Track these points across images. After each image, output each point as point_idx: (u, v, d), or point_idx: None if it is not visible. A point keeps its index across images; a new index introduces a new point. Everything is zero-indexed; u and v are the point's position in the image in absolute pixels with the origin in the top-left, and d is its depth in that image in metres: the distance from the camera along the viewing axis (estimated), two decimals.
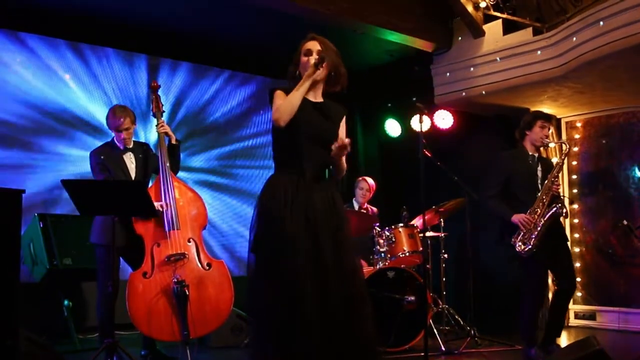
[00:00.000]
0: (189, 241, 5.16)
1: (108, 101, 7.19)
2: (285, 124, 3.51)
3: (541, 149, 5.74)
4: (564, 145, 5.67)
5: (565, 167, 7.73)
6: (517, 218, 5.26)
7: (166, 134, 5.39)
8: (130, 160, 5.35)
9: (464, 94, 7.37)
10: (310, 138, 3.59)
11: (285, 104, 3.52)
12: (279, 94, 3.63)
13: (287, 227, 3.42)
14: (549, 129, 5.53)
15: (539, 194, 5.31)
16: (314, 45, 3.70)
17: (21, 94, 6.81)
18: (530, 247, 5.21)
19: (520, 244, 5.24)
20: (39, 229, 5.92)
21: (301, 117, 3.58)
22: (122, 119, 5.22)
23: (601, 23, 5.82)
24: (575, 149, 7.73)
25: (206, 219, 5.33)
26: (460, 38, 7.49)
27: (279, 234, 3.43)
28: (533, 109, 7.29)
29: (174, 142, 5.41)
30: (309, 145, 3.59)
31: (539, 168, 5.47)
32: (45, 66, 6.97)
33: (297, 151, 3.58)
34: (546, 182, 5.33)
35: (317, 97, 3.74)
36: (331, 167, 3.78)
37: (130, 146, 5.36)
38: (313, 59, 3.61)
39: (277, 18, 6.54)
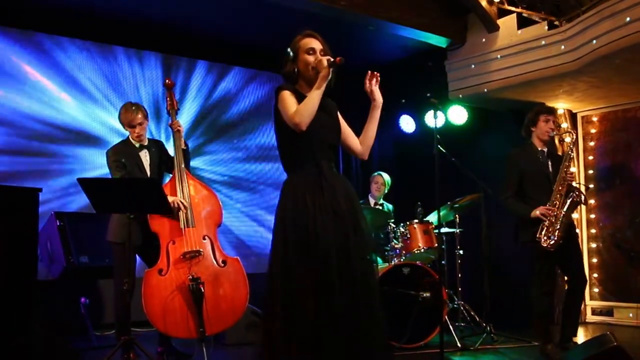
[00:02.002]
0: (204, 238, 5.17)
1: (121, 101, 7.23)
2: (306, 127, 3.47)
3: (556, 144, 5.72)
4: (570, 135, 5.65)
5: (581, 161, 7.70)
6: (538, 210, 5.27)
7: (179, 132, 5.39)
8: (145, 157, 5.37)
9: (478, 89, 7.34)
10: (319, 136, 3.57)
11: (307, 108, 3.47)
12: (287, 94, 3.56)
13: (318, 223, 3.41)
14: (553, 122, 5.52)
15: (555, 186, 5.32)
16: (316, 44, 3.65)
17: (37, 96, 6.86)
18: (555, 239, 5.21)
19: (545, 238, 5.24)
20: (56, 227, 5.96)
21: None
22: (133, 115, 5.26)
23: (619, 16, 5.79)
24: (592, 143, 7.69)
25: (221, 216, 5.33)
26: (474, 33, 7.47)
27: (311, 232, 3.41)
28: (548, 103, 7.28)
29: (183, 146, 5.40)
30: (319, 144, 3.57)
31: (550, 163, 5.49)
32: (57, 66, 7.01)
33: (311, 151, 3.55)
34: (559, 173, 5.33)
35: None
36: (365, 133, 3.80)
37: (146, 143, 5.39)
38: (325, 60, 3.54)
39: (289, 14, 6.54)
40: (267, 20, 6.94)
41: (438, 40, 7.49)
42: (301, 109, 3.47)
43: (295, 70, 3.66)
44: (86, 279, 6.38)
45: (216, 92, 8.15)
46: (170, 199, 5.02)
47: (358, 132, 3.84)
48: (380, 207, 7.10)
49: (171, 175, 5.37)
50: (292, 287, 3.38)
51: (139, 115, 5.26)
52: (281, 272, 3.43)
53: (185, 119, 7.73)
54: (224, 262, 5.17)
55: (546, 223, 5.25)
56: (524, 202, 5.40)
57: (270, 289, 3.46)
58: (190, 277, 4.94)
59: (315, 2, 6.33)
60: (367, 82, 3.68)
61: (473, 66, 7.39)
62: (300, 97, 3.58)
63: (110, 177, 5.27)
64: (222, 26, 7.22)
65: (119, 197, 4.73)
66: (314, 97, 3.50)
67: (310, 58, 3.62)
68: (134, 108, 5.27)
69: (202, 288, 4.90)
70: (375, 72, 3.67)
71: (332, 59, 3.54)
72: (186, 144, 5.47)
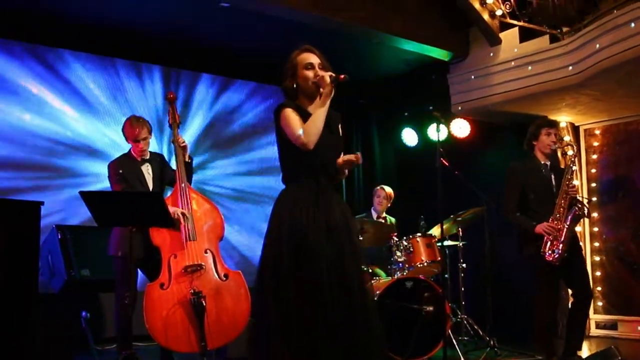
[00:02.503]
0: (206, 252, 5.15)
1: (121, 114, 7.23)
2: (314, 145, 3.48)
3: (559, 157, 5.71)
4: (572, 148, 5.63)
5: (584, 174, 7.69)
6: (540, 228, 5.25)
7: (184, 148, 5.39)
8: (147, 171, 5.37)
9: (480, 102, 7.34)
10: (321, 154, 3.57)
11: (312, 127, 3.48)
12: (290, 112, 3.56)
13: (310, 237, 3.42)
14: (555, 135, 5.51)
15: (557, 200, 5.31)
16: (314, 59, 3.65)
17: (38, 110, 6.87)
18: (559, 253, 5.19)
19: (549, 252, 5.22)
20: (57, 241, 5.95)
21: None
22: (139, 129, 5.25)
23: (621, 29, 5.79)
24: (594, 156, 7.68)
25: (223, 230, 5.31)
26: (476, 46, 7.47)
27: (303, 245, 3.42)
28: (551, 117, 7.27)
29: (187, 159, 5.40)
30: (320, 159, 3.58)
31: (552, 176, 5.48)
32: (58, 80, 7.02)
33: (312, 167, 3.56)
34: (562, 186, 5.32)
35: (315, 109, 3.65)
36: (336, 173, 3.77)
37: (147, 157, 5.38)
38: (328, 76, 3.54)
39: (289, 27, 6.55)
40: (267, 33, 6.94)
41: (440, 54, 7.50)
42: (308, 128, 3.47)
43: (295, 85, 3.67)
44: (87, 293, 6.35)
45: (219, 105, 8.14)
46: (170, 209, 5.01)
47: (351, 149, 3.84)
48: (383, 221, 7.07)
49: (172, 189, 5.36)
50: (284, 300, 3.38)
51: (144, 130, 5.26)
52: (273, 283, 3.43)
53: (187, 132, 7.72)
54: (225, 275, 5.14)
55: (550, 238, 5.23)
56: (527, 216, 5.38)
57: (262, 300, 3.48)
58: (192, 291, 4.91)
59: (315, 15, 6.34)
60: (346, 163, 3.66)
61: (475, 79, 7.39)
62: (302, 113, 3.58)
63: (111, 190, 5.27)
64: (224, 39, 7.22)
65: (121, 210, 4.72)
66: (320, 116, 3.50)
67: (310, 73, 3.62)
68: (139, 123, 5.27)
69: (203, 302, 4.87)
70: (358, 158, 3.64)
71: (334, 75, 3.54)
72: (190, 158, 5.47)
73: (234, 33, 7.07)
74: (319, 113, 3.50)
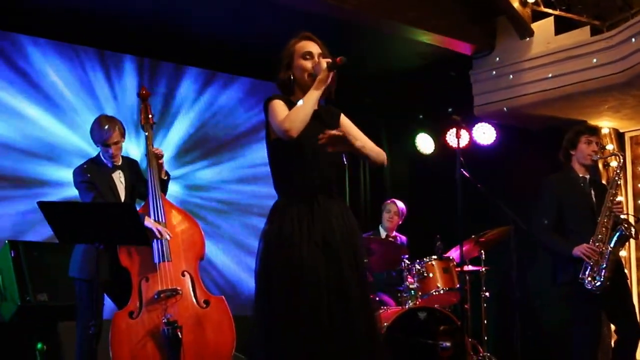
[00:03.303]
0: (183, 274, 5.13)
1: (89, 112, 7.19)
2: (298, 134, 3.46)
3: (600, 169, 5.69)
4: (616, 158, 5.61)
5: (629, 189, 7.65)
6: (578, 250, 5.21)
7: (159, 165, 5.38)
8: (119, 179, 5.33)
9: (508, 104, 7.32)
10: (316, 153, 3.57)
11: (297, 112, 3.48)
12: (278, 103, 3.59)
13: (304, 254, 3.43)
14: (596, 143, 5.49)
15: (599, 218, 5.28)
16: (314, 47, 3.67)
17: None
18: (602, 280, 5.16)
19: (589, 279, 5.18)
20: (10, 259, 5.89)
21: (303, 131, 3.54)
22: (110, 132, 5.20)
23: None
24: None
25: (203, 248, 5.30)
26: (504, 39, 7.45)
27: (296, 264, 3.43)
28: (591, 122, 7.24)
29: (163, 176, 5.39)
30: (315, 161, 3.58)
31: (593, 192, 5.47)
32: (12, 72, 6.98)
33: (304, 169, 3.57)
34: (604, 203, 5.30)
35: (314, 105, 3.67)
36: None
37: (119, 163, 5.36)
38: (325, 62, 3.56)
39: (292, 16, 6.57)
40: (266, 23, 6.95)
41: (462, 47, 7.51)
42: (292, 114, 3.48)
43: (291, 78, 3.68)
44: (45, 321, 6.29)
45: (206, 105, 8.12)
46: (149, 223, 5.00)
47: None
48: (393, 240, 7.06)
49: (144, 201, 5.36)
50: (276, 327, 3.41)
51: (116, 133, 5.22)
52: (262, 309, 3.47)
53: (165, 134, 7.70)
54: (206, 302, 5.12)
55: (590, 262, 5.19)
56: (564, 237, 5.35)
57: (255, 326, 3.51)
58: (166, 320, 4.88)
59: (322, 2, 6.38)
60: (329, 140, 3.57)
61: (502, 77, 7.38)
62: (292, 107, 3.59)
63: (78, 200, 5.24)
64: (215, 27, 7.21)
65: (88, 224, 4.69)
66: (309, 100, 3.51)
67: (308, 64, 3.64)
68: (110, 123, 5.22)
69: (179, 333, 4.83)
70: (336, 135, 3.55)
71: (331, 60, 3.55)
72: (167, 175, 5.47)
73: (228, 20, 7.07)
74: (308, 97, 3.52)
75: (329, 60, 3.57)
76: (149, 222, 5.03)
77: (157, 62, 7.83)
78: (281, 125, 3.47)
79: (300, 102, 3.54)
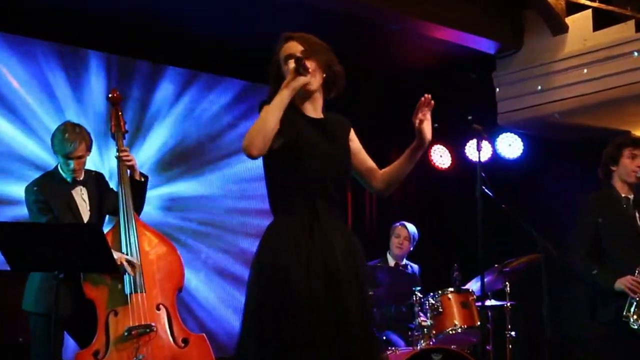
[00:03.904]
0: (158, 308, 5.12)
1: (49, 116, 7.16)
2: (260, 153, 3.44)
3: None
4: None
5: None
6: (622, 282, 5.18)
7: (131, 166, 5.36)
8: (81, 196, 5.32)
9: (538, 111, 7.30)
10: (317, 167, 3.55)
11: (257, 126, 3.44)
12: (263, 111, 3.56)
13: (302, 286, 3.41)
14: None
15: None
16: (294, 48, 3.65)
17: None
18: None
19: (635, 317, 5.16)
20: None
21: (303, 141, 3.54)
22: (74, 143, 5.17)
23: None
24: None
25: (182, 278, 5.31)
26: (534, 35, 7.43)
27: (293, 298, 3.41)
28: (636, 132, 7.23)
29: (137, 177, 5.38)
30: (317, 177, 3.56)
31: (637, 214, 5.46)
32: None
33: (304, 186, 3.54)
34: None
35: (317, 112, 3.70)
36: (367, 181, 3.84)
37: (81, 178, 5.34)
38: (292, 63, 3.54)
39: (292, 10, 6.63)
40: (263, 18, 6.96)
41: (484, 45, 7.50)
42: (249, 130, 3.45)
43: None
44: None
45: (187, 110, 8.12)
46: (115, 256, 4.94)
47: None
48: (403, 269, 7.04)
49: (114, 221, 5.34)
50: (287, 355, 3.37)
51: (82, 146, 5.21)
52: (251, 351, 3.43)
53: (139, 144, 7.66)
54: (184, 340, 5.11)
55: (636, 297, 5.16)
56: (604, 266, 5.31)
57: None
58: None
59: None
60: (420, 111, 3.67)
61: (531, 79, 7.39)
62: (294, 115, 3.59)
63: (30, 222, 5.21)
64: (205, 24, 7.22)
65: (43, 249, 4.65)
66: (271, 111, 3.46)
67: (290, 64, 3.61)
68: (76, 134, 5.20)
69: None
70: (428, 96, 3.64)
71: (298, 60, 3.51)
72: (144, 177, 5.47)
73: (217, 16, 7.09)
74: (270, 107, 3.48)
75: (296, 59, 3.53)
76: (114, 253, 4.98)
77: (130, 60, 7.81)
78: (243, 142, 3.45)
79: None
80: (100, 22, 7.18)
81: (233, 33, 7.43)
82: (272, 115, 3.45)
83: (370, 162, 3.84)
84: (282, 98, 3.47)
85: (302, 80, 3.49)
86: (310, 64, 3.53)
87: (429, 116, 3.68)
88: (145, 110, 7.84)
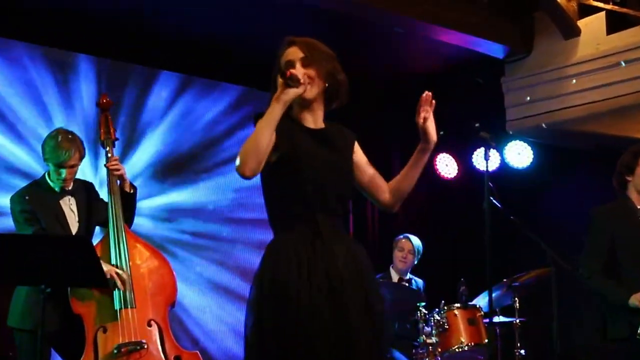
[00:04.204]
0: (149, 324, 5.13)
1: (36, 122, 7.18)
2: (254, 173, 3.43)
3: None
4: None
5: None
6: (637, 298, 5.18)
7: (120, 176, 5.39)
8: (69, 206, 5.35)
9: (549, 118, 7.32)
10: (317, 179, 3.55)
11: (249, 145, 3.42)
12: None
13: (304, 302, 3.41)
14: None
15: None
16: (294, 54, 3.64)
17: None
18: None
19: None
20: None
21: (301, 153, 3.53)
22: (69, 152, 5.19)
23: None
24: None
25: (175, 292, 5.33)
26: (544, 39, 7.46)
27: (294, 314, 3.40)
28: None
29: (127, 189, 5.40)
30: (317, 191, 3.55)
31: None
32: None
33: (305, 201, 3.54)
34: None
35: (317, 122, 3.67)
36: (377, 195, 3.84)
37: (70, 187, 5.36)
38: (278, 76, 3.51)
39: (291, 12, 6.65)
40: (263, 19, 7.00)
41: (492, 49, 7.53)
42: (241, 150, 3.42)
43: None
44: None
45: (183, 117, 8.13)
46: (104, 269, 4.97)
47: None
48: (407, 284, 7.06)
49: (104, 232, 5.36)
50: None
51: (76, 155, 5.23)
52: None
53: (131, 152, 7.69)
54: (177, 358, 5.12)
55: None
56: (618, 281, 5.33)
57: None
58: None
59: None
60: (421, 109, 3.68)
61: (542, 85, 7.41)
62: (293, 126, 3.60)
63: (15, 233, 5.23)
64: (201, 25, 7.23)
65: (30, 262, 4.68)
66: (261, 129, 3.44)
67: (279, 78, 3.56)
68: (69, 142, 5.22)
69: None
70: (428, 93, 3.66)
71: (285, 73, 3.48)
72: (133, 188, 5.49)
73: (213, 19, 7.10)
74: (261, 124, 3.45)
75: (281, 73, 3.50)
76: (104, 265, 5.00)
77: (122, 65, 7.83)
78: (236, 162, 3.44)
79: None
80: (90, 24, 7.18)
81: (230, 35, 7.45)
82: (263, 132, 3.43)
83: (376, 175, 3.84)
84: (273, 113, 3.45)
85: (292, 92, 3.46)
86: (308, 72, 3.54)
87: (432, 115, 3.69)
88: (138, 117, 7.84)
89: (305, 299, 3.40)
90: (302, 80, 3.50)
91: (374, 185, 3.84)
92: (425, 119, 3.68)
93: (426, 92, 3.65)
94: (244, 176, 3.40)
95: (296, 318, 3.39)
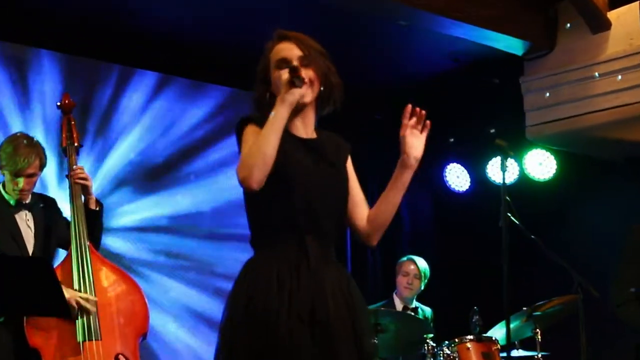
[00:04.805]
0: (117, 359, 5.10)
1: None
2: (261, 185, 3.41)
3: None
4: None
5: None
6: None
7: (85, 187, 5.36)
8: (26, 222, 5.33)
9: (574, 123, 7.32)
10: (307, 196, 3.52)
11: (253, 154, 3.42)
12: (249, 132, 3.53)
13: (282, 332, 3.37)
14: None
15: None
16: (290, 51, 3.62)
17: None
18: None
19: None
20: None
21: (290, 166, 3.50)
22: (29, 159, 5.19)
23: None
24: None
25: (146, 321, 5.30)
26: (568, 27, 7.45)
27: (271, 346, 3.38)
28: None
29: (92, 206, 5.37)
30: (306, 208, 3.53)
31: None
32: None
33: (290, 219, 3.52)
34: None
35: (308, 130, 3.65)
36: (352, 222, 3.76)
37: (27, 201, 5.34)
38: (285, 74, 3.50)
39: (284, 3, 6.62)
40: (251, 12, 6.97)
41: (510, 44, 7.52)
42: (247, 156, 3.44)
43: (267, 97, 3.64)
44: None
45: (159, 121, 8.14)
46: (66, 294, 4.92)
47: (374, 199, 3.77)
48: (413, 314, 7.05)
49: (66, 253, 5.31)
50: None
51: (35, 162, 5.23)
52: None
53: (98, 161, 7.66)
54: None
55: None
56: None
57: None
58: None
59: None
60: (404, 120, 3.63)
61: (567, 85, 7.41)
62: (282, 135, 3.52)
63: None
64: (178, 17, 7.22)
65: None
66: (268, 136, 3.43)
67: (284, 75, 3.56)
68: (28, 148, 5.22)
69: None
70: (417, 108, 3.62)
71: (294, 71, 3.48)
72: (99, 205, 5.47)
73: (189, 3, 7.08)
74: (266, 130, 3.45)
75: (295, 66, 3.50)
76: (66, 291, 4.95)
77: (89, 61, 7.81)
78: (237, 173, 3.42)
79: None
80: (55, 16, 7.19)
81: (214, 30, 7.47)
82: (269, 139, 3.42)
83: (359, 197, 3.78)
84: (279, 116, 3.44)
85: (298, 92, 3.46)
86: (307, 74, 3.52)
87: (419, 130, 3.65)
88: (108, 121, 7.84)
89: (285, 328, 3.37)
90: (306, 81, 3.51)
91: (354, 207, 3.77)
92: (406, 129, 3.63)
93: (409, 105, 3.60)
94: (251, 189, 3.39)
95: (273, 350, 3.36)
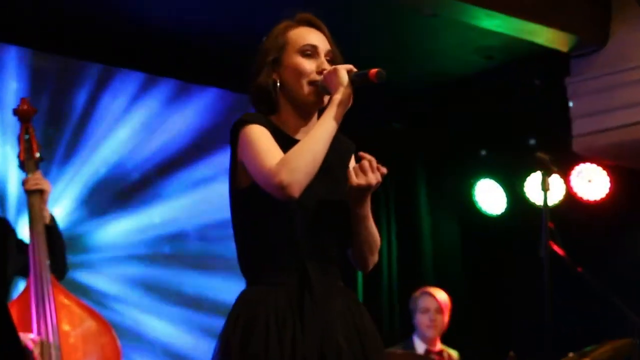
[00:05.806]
0: None
1: None
2: (300, 194, 3.38)
3: None
4: None
5: None
6: None
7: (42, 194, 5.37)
8: None
9: (633, 133, 7.32)
10: (308, 217, 3.53)
11: (302, 154, 3.39)
12: (259, 131, 3.49)
13: None
14: None
15: None
16: (319, 39, 3.64)
17: None
18: None
19: None
20: None
21: None
22: None
23: None
24: None
25: None
26: (624, 25, 7.47)
27: None
28: None
29: (47, 221, 5.38)
30: (307, 230, 3.53)
31: None
32: None
33: (288, 244, 3.52)
34: None
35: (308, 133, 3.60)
36: (349, 247, 3.74)
37: None
38: (343, 70, 3.49)
39: None
40: (244, 4, 7.04)
41: (553, 38, 7.54)
42: (293, 157, 3.38)
43: (277, 84, 3.62)
44: None
45: (130, 129, 8.15)
46: (23, 339, 4.96)
47: (377, 215, 3.77)
48: (438, 358, 7.03)
49: (25, 285, 5.35)
50: None
51: None
52: None
53: (65, 176, 7.68)
54: None
55: None
56: None
57: None
58: None
59: None
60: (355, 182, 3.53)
61: (621, 88, 7.42)
62: (281, 139, 3.54)
63: None
64: (166, 10, 7.26)
65: None
66: (319, 135, 3.45)
67: (309, 65, 3.59)
68: None
69: None
70: (369, 158, 3.53)
71: (359, 72, 3.48)
72: (52, 219, 5.47)
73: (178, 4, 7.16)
74: (319, 132, 3.45)
75: (352, 68, 3.50)
76: (21, 335, 4.96)
77: (56, 59, 7.84)
78: (275, 175, 3.35)
79: (310, 134, 3.47)
80: (22, 6, 7.24)
81: (205, 24, 7.53)
82: (323, 145, 3.43)
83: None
84: (332, 121, 3.46)
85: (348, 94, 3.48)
86: (345, 69, 3.51)
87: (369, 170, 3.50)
88: (79, 129, 7.89)
89: None
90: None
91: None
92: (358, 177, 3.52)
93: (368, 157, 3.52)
94: (291, 197, 3.36)
95: None
